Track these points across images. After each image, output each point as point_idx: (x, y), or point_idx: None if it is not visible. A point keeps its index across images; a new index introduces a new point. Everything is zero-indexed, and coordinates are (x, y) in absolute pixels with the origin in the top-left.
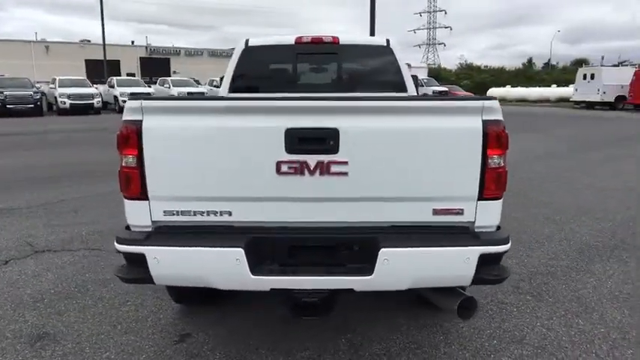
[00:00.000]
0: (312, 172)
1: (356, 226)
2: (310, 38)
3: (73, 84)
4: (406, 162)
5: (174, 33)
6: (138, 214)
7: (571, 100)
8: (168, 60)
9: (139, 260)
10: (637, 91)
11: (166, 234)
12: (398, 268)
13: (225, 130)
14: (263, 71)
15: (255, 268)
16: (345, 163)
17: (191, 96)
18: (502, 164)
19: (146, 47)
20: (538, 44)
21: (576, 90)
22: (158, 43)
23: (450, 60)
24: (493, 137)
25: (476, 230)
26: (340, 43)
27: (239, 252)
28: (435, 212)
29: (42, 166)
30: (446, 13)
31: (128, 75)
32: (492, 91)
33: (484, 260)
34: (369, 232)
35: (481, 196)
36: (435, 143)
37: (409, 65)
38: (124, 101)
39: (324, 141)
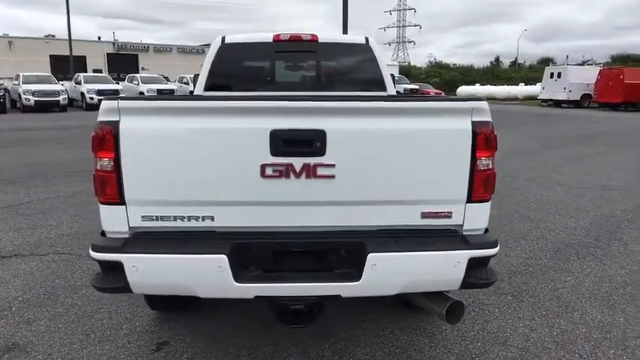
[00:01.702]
0: (297, 175)
1: (342, 231)
2: (289, 36)
3: (39, 80)
4: (394, 164)
5: (141, 28)
6: (114, 220)
7: (538, 98)
8: (136, 56)
9: (115, 268)
10: (602, 89)
11: (145, 240)
12: (387, 273)
13: (207, 132)
14: (240, 69)
15: (239, 275)
16: (332, 165)
17: (171, 96)
18: (491, 166)
19: (113, 43)
20: (505, 43)
21: (544, 88)
22: (125, 38)
23: (419, 58)
24: (482, 139)
25: (464, 233)
26: (319, 41)
27: (222, 259)
28: (424, 215)
29: (6, 166)
30: (415, 11)
31: (95, 71)
32: (461, 89)
33: (473, 264)
34: (356, 236)
35: (470, 199)
36: (423, 145)
37: None
38: (92, 98)
39: (311, 143)
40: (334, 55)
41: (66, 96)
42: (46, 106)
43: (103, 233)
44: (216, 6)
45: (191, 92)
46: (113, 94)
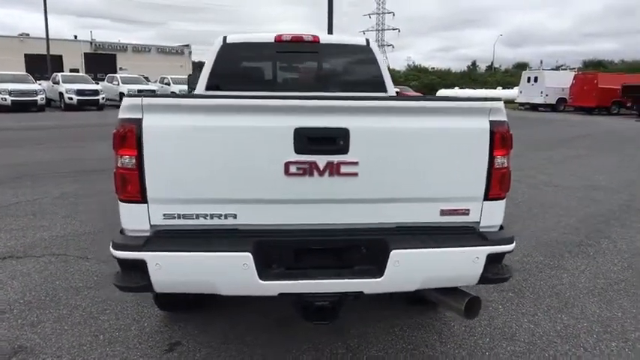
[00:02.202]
0: (321, 173)
1: (363, 228)
2: (291, 37)
3: (15, 80)
4: (415, 162)
5: (116, 28)
6: (135, 218)
7: (516, 101)
8: (114, 56)
9: (138, 267)
10: (577, 94)
11: (167, 238)
12: (408, 270)
13: (231, 129)
14: (242, 69)
15: (263, 272)
16: (356, 163)
17: (195, 93)
18: (506, 164)
19: (91, 42)
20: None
21: (521, 92)
22: (102, 38)
23: (398, 61)
24: (499, 138)
25: (481, 230)
26: (320, 42)
27: (247, 257)
28: (442, 213)
29: None
30: (394, 15)
31: (72, 71)
32: (441, 92)
33: (491, 260)
34: (377, 233)
35: (487, 197)
36: (443, 143)
37: None
38: (70, 98)
39: (335, 141)
40: (335, 56)
41: (44, 96)
42: (23, 106)
43: (121, 231)
44: (194, 6)
45: (190, 91)
46: (93, 95)
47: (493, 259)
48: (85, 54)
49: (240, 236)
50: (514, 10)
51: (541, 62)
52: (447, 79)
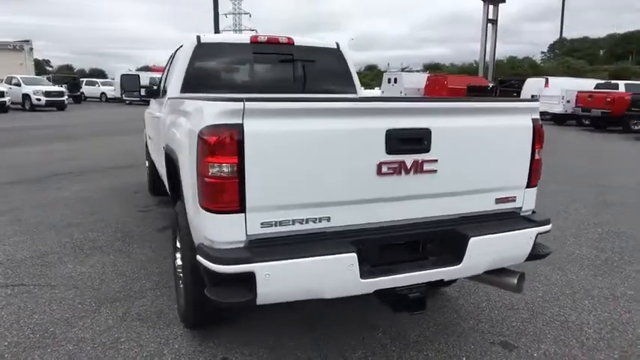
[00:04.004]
0: (407, 172)
1: (439, 220)
2: (266, 38)
3: None
4: (480, 157)
5: None
6: (229, 229)
7: None
8: None
9: (243, 280)
10: (430, 93)
11: (269, 247)
12: (482, 254)
13: (329, 133)
14: (218, 69)
15: (362, 271)
16: (435, 161)
17: (294, 97)
18: (541, 156)
19: None
20: None
21: (383, 92)
22: None
23: None
24: (538, 133)
25: (522, 214)
26: (295, 44)
27: (352, 257)
28: (497, 201)
29: None
30: (251, 16)
31: None
32: None
33: (536, 239)
34: (451, 224)
35: (528, 184)
36: (501, 139)
37: None
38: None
39: (420, 141)
40: (309, 58)
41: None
42: None
43: (201, 245)
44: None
45: (123, 94)
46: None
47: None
48: None
49: (338, 238)
50: (359, 17)
51: (388, 64)
52: None
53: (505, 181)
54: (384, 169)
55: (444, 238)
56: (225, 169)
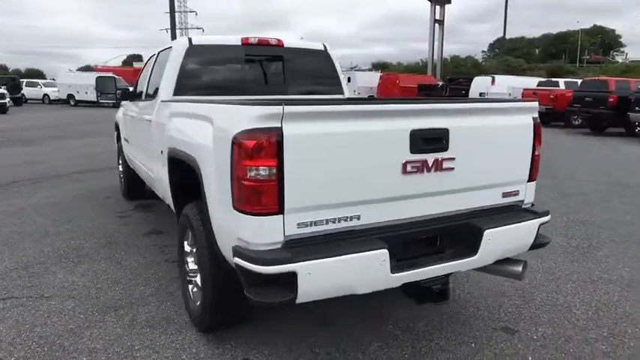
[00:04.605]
0: (429, 170)
1: (454, 215)
2: (257, 40)
3: None
4: (491, 154)
5: None
6: (267, 231)
7: None
8: None
9: (284, 280)
10: (383, 91)
11: (305, 247)
12: (495, 245)
13: (360, 134)
14: (210, 71)
15: (392, 266)
16: (453, 159)
17: (328, 99)
18: (539, 152)
19: None
20: None
21: None
22: None
23: None
24: (538, 131)
25: (523, 207)
26: (285, 46)
27: (384, 253)
28: (503, 195)
29: None
30: (197, 14)
31: None
32: None
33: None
34: (464, 218)
35: (529, 178)
36: (507, 136)
37: None
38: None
39: (440, 140)
40: (299, 60)
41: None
42: None
43: (238, 247)
44: None
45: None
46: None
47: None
48: None
49: (367, 235)
50: (309, 15)
51: (339, 63)
52: None
53: (510, 175)
54: (409, 167)
55: (459, 232)
56: (265, 172)
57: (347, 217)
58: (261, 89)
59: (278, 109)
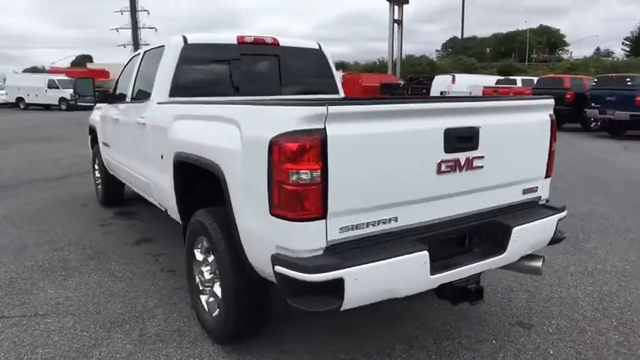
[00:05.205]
0: (461, 169)
1: (481, 213)
2: (253, 38)
3: None
4: (515, 151)
5: None
6: (310, 236)
7: None
8: None
9: (332, 286)
10: (347, 90)
11: (347, 251)
12: (522, 242)
13: (399, 134)
14: (207, 71)
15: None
16: (482, 157)
17: (372, 100)
18: (555, 149)
19: None
20: None
21: None
22: None
23: None
24: (554, 127)
25: (540, 203)
26: (280, 44)
27: (425, 255)
28: (524, 192)
29: None
30: (149, 13)
31: None
32: None
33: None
34: (490, 216)
35: (546, 175)
36: (529, 134)
37: None
38: None
39: (471, 139)
40: (294, 59)
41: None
42: None
43: (279, 256)
44: None
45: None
46: None
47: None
48: None
49: (406, 237)
50: (265, 14)
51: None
52: None
53: (530, 172)
54: (443, 167)
55: (486, 230)
56: (309, 176)
57: (385, 219)
58: (257, 89)
59: (322, 109)
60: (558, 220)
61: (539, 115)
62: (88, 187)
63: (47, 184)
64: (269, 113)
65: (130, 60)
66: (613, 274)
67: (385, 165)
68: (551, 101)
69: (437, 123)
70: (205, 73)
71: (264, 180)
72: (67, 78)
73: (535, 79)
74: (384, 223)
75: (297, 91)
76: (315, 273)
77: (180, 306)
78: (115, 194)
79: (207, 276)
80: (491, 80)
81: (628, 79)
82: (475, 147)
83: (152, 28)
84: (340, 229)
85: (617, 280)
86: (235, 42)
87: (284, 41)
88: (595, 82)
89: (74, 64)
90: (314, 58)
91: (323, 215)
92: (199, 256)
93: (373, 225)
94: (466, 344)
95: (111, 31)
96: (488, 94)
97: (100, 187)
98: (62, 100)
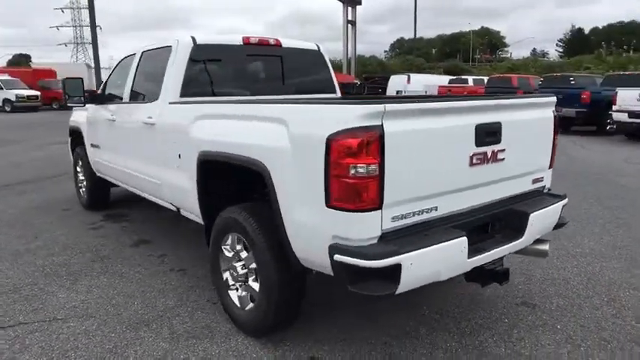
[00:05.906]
0: (488, 161)
1: (501, 201)
2: (258, 39)
3: None
4: (528, 144)
5: None
6: (367, 226)
7: None
8: None
9: (389, 271)
10: None
11: (399, 239)
12: (536, 227)
13: (442, 130)
14: (215, 71)
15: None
16: (504, 150)
17: (425, 97)
18: (557, 142)
19: None
20: None
21: None
22: None
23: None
24: (556, 123)
25: (544, 191)
26: (283, 46)
27: (465, 240)
28: (533, 181)
29: None
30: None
31: None
32: None
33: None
34: (508, 204)
35: (550, 166)
36: (539, 128)
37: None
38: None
39: (496, 133)
40: (296, 60)
41: None
42: None
43: (337, 245)
44: None
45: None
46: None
47: None
48: None
49: (444, 225)
50: (215, 13)
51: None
52: None
53: (538, 163)
54: (474, 159)
55: (506, 217)
56: (367, 170)
57: (428, 209)
58: (261, 89)
59: (380, 107)
60: (562, 207)
61: (546, 111)
62: (62, 192)
63: (21, 189)
64: (323, 111)
65: (122, 60)
66: (592, 256)
67: (429, 158)
68: (554, 99)
69: (470, 119)
70: (213, 74)
71: (319, 174)
72: (11, 78)
73: (485, 78)
74: (427, 212)
75: (298, 90)
76: (377, 259)
77: (201, 303)
78: (101, 197)
79: (240, 271)
80: (444, 80)
81: (571, 79)
82: (499, 141)
83: (97, 26)
84: (392, 218)
85: (598, 262)
86: (241, 43)
87: (286, 42)
88: (541, 81)
89: (10, 63)
90: (313, 58)
91: (379, 206)
92: (227, 253)
93: (418, 214)
94: (483, 324)
95: (49, 30)
96: (444, 92)
97: (83, 190)
98: (6, 101)
